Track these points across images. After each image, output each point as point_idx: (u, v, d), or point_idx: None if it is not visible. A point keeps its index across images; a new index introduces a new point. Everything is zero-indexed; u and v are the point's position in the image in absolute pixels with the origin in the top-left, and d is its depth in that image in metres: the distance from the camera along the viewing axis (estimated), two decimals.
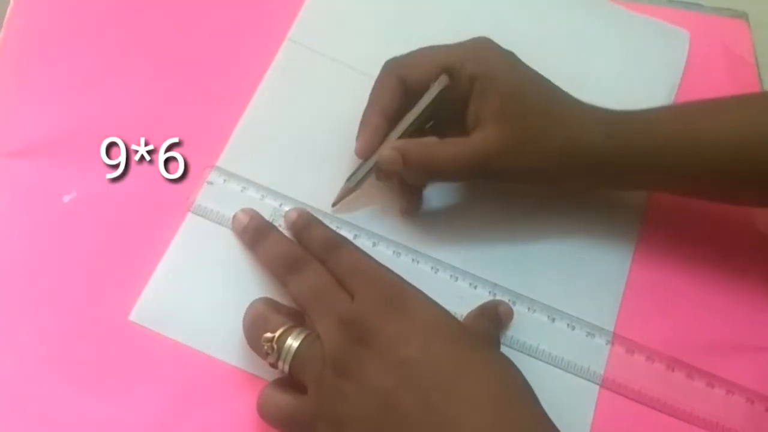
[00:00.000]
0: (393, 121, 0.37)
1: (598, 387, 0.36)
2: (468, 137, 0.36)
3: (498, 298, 0.37)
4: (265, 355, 0.32)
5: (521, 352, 0.36)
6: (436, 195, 0.40)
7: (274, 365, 0.32)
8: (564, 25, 0.45)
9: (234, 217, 0.37)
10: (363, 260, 0.34)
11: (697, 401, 0.36)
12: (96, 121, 0.39)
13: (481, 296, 0.37)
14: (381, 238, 0.38)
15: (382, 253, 0.37)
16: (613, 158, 0.36)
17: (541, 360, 0.36)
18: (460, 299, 0.37)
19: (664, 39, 0.46)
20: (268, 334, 0.32)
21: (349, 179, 0.38)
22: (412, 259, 0.38)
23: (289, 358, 0.32)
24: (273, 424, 0.32)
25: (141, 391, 0.34)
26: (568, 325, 0.37)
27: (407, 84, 0.37)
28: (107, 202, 0.37)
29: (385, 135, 0.37)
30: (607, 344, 0.37)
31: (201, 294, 0.36)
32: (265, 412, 0.32)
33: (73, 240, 0.36)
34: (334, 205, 0.39)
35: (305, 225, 0.37)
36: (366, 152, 0.37)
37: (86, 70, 0.40)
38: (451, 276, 0.38)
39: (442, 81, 0.36)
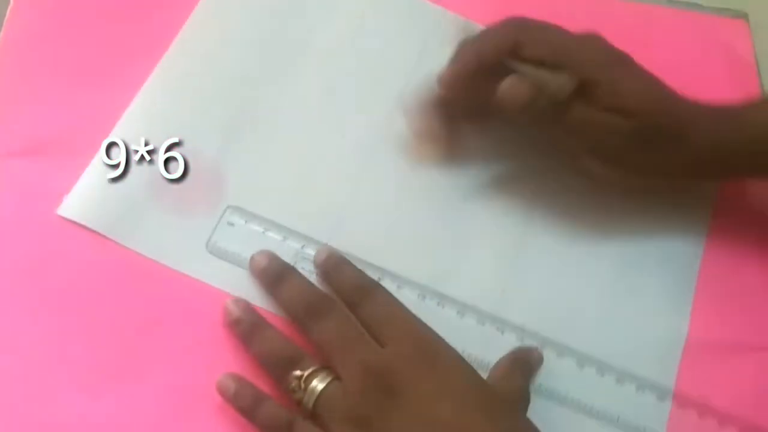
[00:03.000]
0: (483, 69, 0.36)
1: None
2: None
3: (526, 343, 0.36)
4: (291, 392, 0.32)
5: (565, 406, 0.35)
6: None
7: (299, 403, 0.32)
8: None
9: (252, 258, 0.36)
10: (397, 309, 0.34)
11: None
12: (96, 121, 0.39)
13: (509, 341, 0.36)
14: (405, 282, 0.37)
15: (407, 297, 0.36)
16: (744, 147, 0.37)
17: (591, 417, 0.35)
18: (486, 344, 0.36)
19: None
20: (297, 373, 0.32)
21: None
22: (437, 303, 0.37)
23: (314, 398, 0.31)
24: None
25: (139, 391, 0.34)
26: (617, 379, 0.36)
27: (518, 55, 0.36)
28: None
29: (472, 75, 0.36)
30: (663, 400, 0.35)
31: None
32: None
33: (73, 240, 0.36)
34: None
35: (336, 265, 0.36)
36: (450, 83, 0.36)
37: (86, 70, 0.40)
38: (477, 321, 0.37)
39: (570, 82, 0.35)
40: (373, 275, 0.36)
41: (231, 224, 0.37)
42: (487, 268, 0.38)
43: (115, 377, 0.34)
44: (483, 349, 0.35)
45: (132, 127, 0.39)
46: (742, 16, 0.48)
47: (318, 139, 0.40)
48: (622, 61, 0.37)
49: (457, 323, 0.36)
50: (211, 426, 0.34)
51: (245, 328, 0.35)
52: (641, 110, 0.36)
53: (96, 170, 0.38)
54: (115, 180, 0.38)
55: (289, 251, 0.37)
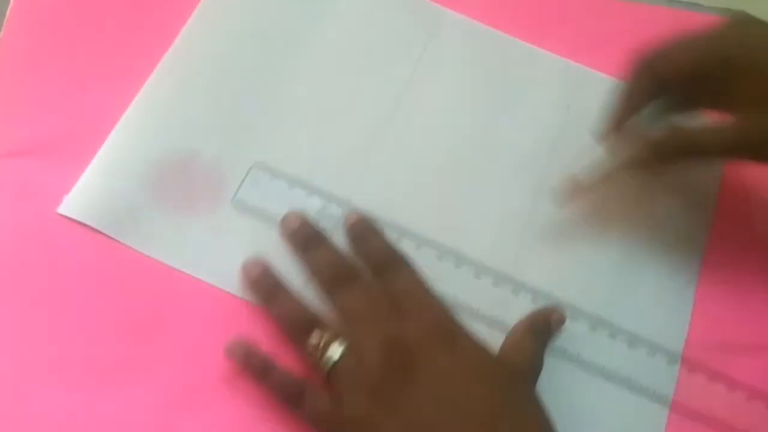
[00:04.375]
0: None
1: (667, 410, 0.35)
2: (735, 116, 0.34)
3: (540, 305, 0.37)
4: (308, 356, 0.33)
5: (584, 371, 0.36)
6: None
7: (314, 367, 0.33)
8: None
9: (284, 219, 0.37)
10: (420, 285, 0.35)
11: None
12: (96, 121, 0.39)
13: (523, 303, 0.37)
14: (424, 241, 0.38)
15: (426, 256, 0.37)
16: None
17: (588, 371, 0.36)
18: (501, 305, 0.36)
19: None
20: (315, 338, 0.33)
21: (578, 175, 0.37)
22: (455, 264, 0.37)
23: (330, 363, 0.32)
24: (304, 418, 0.33)
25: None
26: (629, 344, 0.36)
27: (662, 83, 0.35)
28: None
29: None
30: (673, 363, 0.36)
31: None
32: (302, 405, 0.33)
33: (73, 240, 0.36)
34: (561, 203, 0.38)
35: (366, 232, 0.37)
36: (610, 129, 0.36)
37: (86, 70, 0.40)
38: (493, 282, 0.37)
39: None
40: (393, 235, 0.37)
41: (257, 180, 0.38)
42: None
43: (115, 377, 0.34)
44: (498, 309, 0.36)
45: (132, 126, 0.39)
46: None
47: (317, 139, 0.41)
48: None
49: (473, 284, 0.37)
50: (211, 426, 0.34)
51: (265, 289, 0.35)
52: None
53: (97, 169, 0.38)
54: (116, 179, 0.38)
55: (312, 207, 0.38)
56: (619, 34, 0.40)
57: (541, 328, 0.35)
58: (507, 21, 0.44)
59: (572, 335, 0.36)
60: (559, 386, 0.34)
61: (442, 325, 0.33)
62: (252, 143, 0.39)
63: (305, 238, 0.36)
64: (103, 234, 0.36)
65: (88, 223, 0.36)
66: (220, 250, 0.37)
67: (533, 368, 0.33)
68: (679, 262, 0.39)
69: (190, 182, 0.38)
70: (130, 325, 0.35)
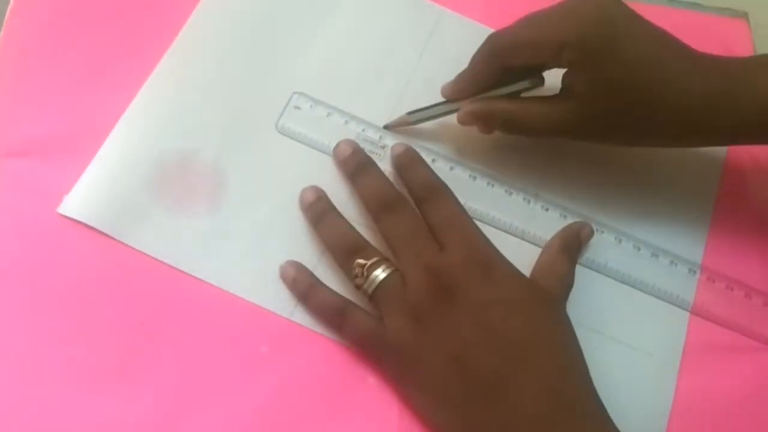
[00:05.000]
0: (484, 89, 0.38)
1: (688, 313, 0.38)
2: (560, 98, 0.36)
3: (569, 220, 0.39)
4: (353, 277, 0.35)
5: (611, 278, 0.39)
6: None
7: (359, 288, 0.35)
8: None
9: (337, 146, 0.39)
10: (460, 215, 0.36)
11: None
12: (96, 121, 0.39)
13: (552, 218, 0.39)
14: (457, 163, 0.40)
15: (459, 176, 0.40)
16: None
17: (617, 279, 0.39)
18: (532, 220, 0.39)
19: None
20: (361, 261, 0.35)
21: (411, 113, 0.40)
22: (488, 183, 0.40)
23: (374, 287, 0.34)
24: (347, 337, 0.35)
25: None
26: (652, 253, 0.39)
27: (508, 66, 0.37)
28: None
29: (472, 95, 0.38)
30: (693, 273, 0.39)
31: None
32: (345, 324, 0.35)
33: (73, 241, 0.36)
34: (386, 127, 0.40)
35: (410, 162, 0.38)
36: (451, 95, 0.39)
37: (86, 70, 0.40)
38: (524, 199, 0.40)
39: (537, 83, 0.37)
40: (427, 158, 0.39)
41: (297, 108, 0.40)
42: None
43: (116, 377, 0.34)
44: (529, 223, 0.39)
45: (133, 126, 0.39)
46: (742, 16, 0.48)
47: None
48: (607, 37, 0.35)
49: (506, 200, 0.40)
50: (212, 426, 0.34)
51: (316, 212, 0.37)
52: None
53: (97, 168, 0.38)
54: (116, 178, 0.38)
55: (350, 133, 0.40)
56: None
57: (573, 245, 0.38)
58: (507, 21, 0.44)
59: (600, 246, 0.39)
60: (587, 293, 0.37)
61: (482, 254, 0.34)
62: (251, 149, 0.40)
63: (356, 164, 0.38)
64: (103, 234, 0.36)
65: (88, 222, 0.36)
66: (221, 250, 0.37)
67: (565, 288, 0.36)
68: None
69: (190, 181, 0.38)
70: (131, 325, 0.35)
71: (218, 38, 0.42)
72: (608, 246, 0.39)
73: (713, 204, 0.41)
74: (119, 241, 0.36)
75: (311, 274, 0.37)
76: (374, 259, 0.35)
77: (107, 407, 0.33)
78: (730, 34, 0.47)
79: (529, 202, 0.40)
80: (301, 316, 0.36)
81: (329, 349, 0.36)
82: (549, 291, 0.35)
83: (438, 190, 0.37)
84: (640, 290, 0.38)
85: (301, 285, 0.36)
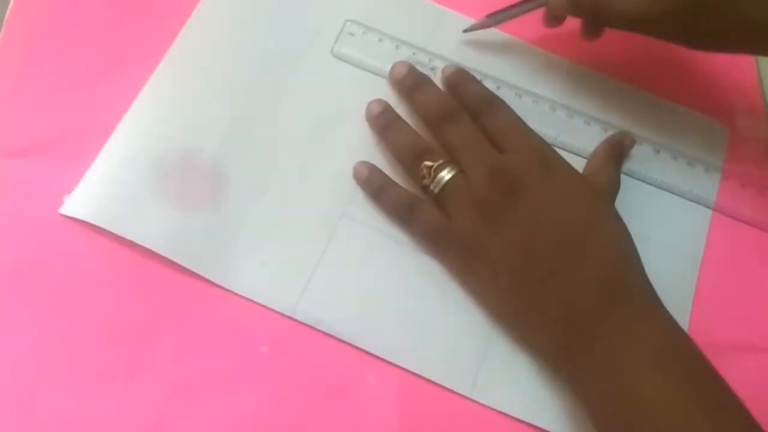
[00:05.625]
0: None
1: (710, 211, 0.41)
2: None
3: (609, 133, 0.42)
4: (420, 179, 0.37)
5: (633, 178, 0.42)
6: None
7: (425, 188, 0.37)
8: None
9: (392, 67, 0.41)
10: (517, 122, 0.39)
11: None
12: (97, 121, 0.39)
13: (594, 131, 0.42)
14: (504, 83, 0.42)
15: (506, 95, 0.41)
16: None
17: (653, 185, 0.42)
18: (575, 132, 0.42)
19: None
20: (428, 162, 0.37)
21: (489, 15, 0.42)
22: (533, 101, 0.42)
23: (441, 185, 0.37)
24: (416, 230, 0.38)
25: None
26: (674, 157, 0.42)
27: None
28: None
29: None
30: (717, 173, 0.42)
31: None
32: (415, 218, 0.37)
33: (73, 241, 0.36)
34: (465, 31, 0.43)
35: (462, 80, 0.41)
36: None
37: (87, 70, 0.40)
38: (567, 114, 0.42)
39: None
40: (492, 86, 0.42)
41: (351, 34, 0.43)
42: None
43: (116, 377, 0.34)
44: (573, 137, 0.42)
45: (134, 126, 0.39)
46: None
47: (318, 139, 0.41)
48: None
49: (550, 115, 0.42)
50: (212, 426, 0.34)
51: (383, 121, 0.40)
52: None
53: (100, 168, 0.38)
54: (119, 177, 0.38)
55: (401, 57, 0.42)
56: (619, 34, 0.40)
57: (618, 151, 0.40)
58: (506, 21, 0.44)
59: (639, 157, 0.42)
60: (630, 200, 0.40)
61: (541, 154, 0.37)
62: (252, 147, 0.40)
63: (413, 81, 0.40)
64: (104, 234, 0.36)
65: (91, 220, 0.36)
66: (222, 247, 0.37)
67: (614, 189, 0.39)
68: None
69: (192, 179, 0.38)
70: (131, 325, 0.35)
71: (219, 37, 0.42)
72: (646, 157, 0.42)
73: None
74: (119, 242, 0.36)
75: (383, 174, 0.39)
76: (441, 161, 0.37)
77: (107, 407, 0.33)
78: None
79: (572, 117, 0.42)
80: (302, 314, 0.36)
81: (329, 349, 0.36)
82: (601, 189, 0.38)
83: (492, 102, 0.39)
84: (677, 195, 0.42)
85: (376, 181, 0.38)
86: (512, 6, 0.41)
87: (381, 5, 0.44)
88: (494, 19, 0.42)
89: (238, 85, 0.41)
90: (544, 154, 0.37)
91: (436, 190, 0.37)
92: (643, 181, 0.42)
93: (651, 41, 0.38)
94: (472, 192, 0.36)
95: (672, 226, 0.41)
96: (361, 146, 0.40)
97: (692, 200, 0.42)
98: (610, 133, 0.42)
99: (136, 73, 0.40)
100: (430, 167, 0.37)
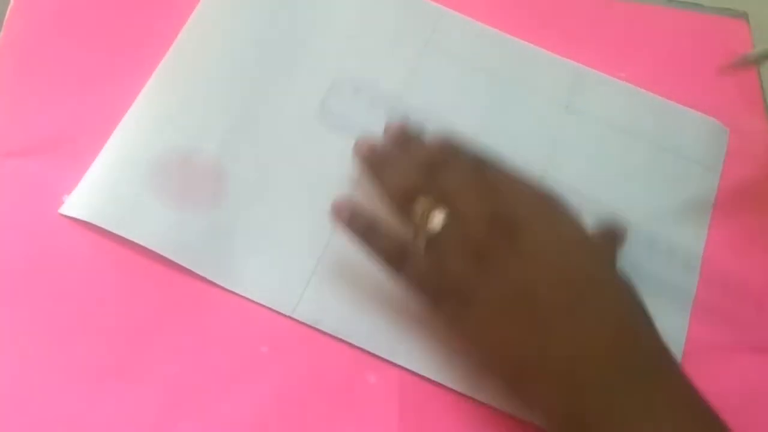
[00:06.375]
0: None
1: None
2: None
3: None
4: (412, 220, 0.35)
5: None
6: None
7: (417, 231, 0.34)
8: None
9: (386, 125, 0.39)
10: (513, 173, 0.36)
11: None
12: (97, 121, 0.39)
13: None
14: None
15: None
16: None
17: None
18: None
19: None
20: (420, 205, 0.34)
21: (748, 56, 0.40)
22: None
23: (434, 228, 0.34)
24: (406, 278, 0.35)
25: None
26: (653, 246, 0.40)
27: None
28: None
29: None
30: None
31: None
32: (406, 266, 0.34)
33: (73, 241, 0.36)
34: (729, 66, 0.41)
35: (456, 139, 0.38)
36: None
37: (86, 70, 0.40)
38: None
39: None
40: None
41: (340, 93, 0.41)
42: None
43: (116, 377, 0.34)
44: None
45: (134, 126, 0.39)
46: (742, 16, 0.48)
47: (318, 138, 0.41)
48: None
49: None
50: (212, 426, 0.34)
51: (375, 162, 0.37)
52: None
53: (100, 168, 0.38)
54: (118, 178, 0.38)
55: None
56: (619, 34, 0.40)
57: (612, 236, 0.37)
58: (507, 21, 0.44)
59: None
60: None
61: (541, 198, 0.35)
62: (252, 147, 0.40)
63: (402, 135, 0.38)
64: (104, 234, 0.36)
65: (90, 220, 0.36)
66: (222, 247, 0.37)
67: (616, 257, 0.36)
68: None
69: (192, 179, 0.38)
70: (131, 325, 0.35)
71: (218, 38, 0.42)
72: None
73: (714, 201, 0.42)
74: (119, 242, 0.36)
75: (367, 216, 0.36)
76: (433, 203, 0.34)
77: (107, 407, 0.33)
78: (730, 34, 0.47)
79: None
80: (302, 314, 0.36)
81: (329, 349, 0.36)
82: (605, 244, 0.36)
83: (485, 158, 0.37)
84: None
85: (360, 225, 0.35)
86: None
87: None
88: (752, 56, 0.40)
89: (237, 86, 0.41)
90: (545, 198, 0.35)
91: (429, 233, 0.34)
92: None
93: (651, 42, 0.38)
94: (469, 233, 0.33)
95: (672, 225, 0.41)
96: None
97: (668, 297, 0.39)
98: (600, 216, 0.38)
99: (136, 74, 0.40)
100: (422, 211, 0.34)
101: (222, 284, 0.36)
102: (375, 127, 0.40)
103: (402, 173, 0.36)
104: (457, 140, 0.38)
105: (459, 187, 0.35)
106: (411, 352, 0.36)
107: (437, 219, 0.34)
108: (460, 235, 0.34)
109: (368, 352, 0.36)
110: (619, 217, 0.38)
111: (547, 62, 0.44)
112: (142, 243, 0.36)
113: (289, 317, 0.36)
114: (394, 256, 0.35)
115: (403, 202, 0.35)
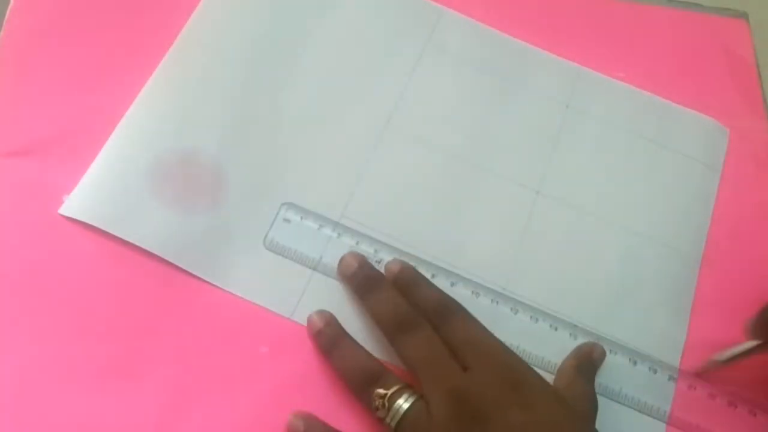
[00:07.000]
0: None
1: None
2: None
3: (580, 340, 0.37)
4: (374, 410, 0.33)
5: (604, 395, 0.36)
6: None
7: (381, 420, 0.32)
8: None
9: (342, 259, 0.37)
10: (480, 333, 0.34)
11: None
12: (96, 121, 0.39)
13: (562, 338, 0.37)
14: (459, 278, 0.38)
15: (461, 294, 0.37)
16: None
17: (607, 397, 0.36)
18: (540, 341, 0.37)
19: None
20: (381, 391, 0.32)
21: (720, 355, 0.36)
22: (491, 300, 0.37)
23: (398, 418, 0.32)
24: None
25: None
26: (630, 359, 0.37)
27: None
28: None
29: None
30: (670, 380, 0.37)
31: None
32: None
33: (73, 241, 0.36)
34: (698, 374, 0.37)
35: (413, 282, 0.36)
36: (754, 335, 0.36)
37: (86, 70, 0.40)
38: (531, 317, 0.37)
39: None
40: (427, 273, 0.37)
41: (287, 221, 0.38)
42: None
43: (115, 377, 0.34)
44: (536, 346, 0.37)
45: (133, 126, 0.39)
46: (742, 16, 0.48)
47: (318, 138, 0.41)
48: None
49: (511, 319, 0.37)
50: (211, 426, 0.34)
51: (327, 340, 0.35)
52: None
53: (100, 168, 0.38)
54: (118, 178, 0.38)
55: (344, 246, 0.37)
56: (619, 34, 0.40)
57: (588, 367, 0.36)
58: (507, 21, 0.44)
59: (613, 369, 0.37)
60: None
61: (508, 372, 0.33)
62: (252, 148, 0.40)
63: (366, 279, 0.36)
64: (104, 234, 0.36)
65: (90, 221, 0.36)
66: (221, 249, 0.37)
67: (594, 407, 0.34)
68: (677, 279, 0.40)
69: (191, 179, 0.38)
70: (131, 325, 0.35)
71: (219, 38, 0.42)
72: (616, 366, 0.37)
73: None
74: (119, 242, 0.36)
75: (324, 424, 0.33)
76: (395, 388, 0.32)
77: (107, 407, 0.33)
78: (730, 34, 0.47)
79: (536, 320, 0.37)
80: (301, 316, 0.36)
81: None
82: (582, 412, 0.33)
83: (452, 311, 0.35)
84: (618, 402, 0.36)
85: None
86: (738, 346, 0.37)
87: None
88: (723, 357, 0.36)
89: (237, 87, 0.41)
90: (514, 372, 0.33)
91: (393, 424, 0.32)
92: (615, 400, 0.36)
93: (651, 42, 0.38)
94: (434, 423, 0.31)
95: (672, 225, 0.41)
96: (363, 145, 0.40)
97: (642, 411, 0.36)
98: (579, 341, 0.37)
99: (136, 74, 0.40)
100: (384, 396, 0.32)
101: (220, 286, 0.36)
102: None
103: (354, 357, 0.34)
104: (412, 276, 0.36)
105: (420, 359, 0.33)
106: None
107: (398, 407, 0.32)
108: (425, 422, 0.31)
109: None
110: (593, 341, 0.37)
111: (547, 62, 0.44)
112: (140, 245, 0.36)
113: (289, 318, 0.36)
114: (362, 387, 0.33)
115: (360, 389, 0.34)
